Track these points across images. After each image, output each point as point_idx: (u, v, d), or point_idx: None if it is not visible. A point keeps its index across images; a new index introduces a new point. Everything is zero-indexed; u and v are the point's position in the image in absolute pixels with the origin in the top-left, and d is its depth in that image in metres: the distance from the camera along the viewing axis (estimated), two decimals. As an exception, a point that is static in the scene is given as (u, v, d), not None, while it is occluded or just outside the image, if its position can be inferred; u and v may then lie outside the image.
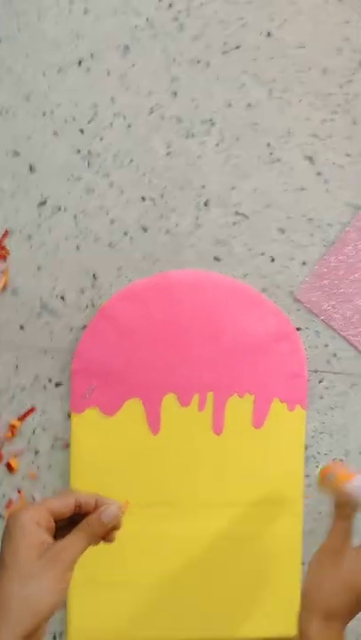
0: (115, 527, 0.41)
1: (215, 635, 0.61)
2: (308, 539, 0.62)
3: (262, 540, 0.61)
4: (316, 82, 0.63)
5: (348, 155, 0.63)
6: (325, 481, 0.59)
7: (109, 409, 0.60)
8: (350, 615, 0.45)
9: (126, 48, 0.61)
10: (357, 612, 0.46)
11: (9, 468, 0.60)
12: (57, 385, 0.60)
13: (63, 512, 0.40)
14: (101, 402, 0.60)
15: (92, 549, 0.57)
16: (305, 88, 0.62)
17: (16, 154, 0.60)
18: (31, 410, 0.60)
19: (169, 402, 0.60)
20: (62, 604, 0.37)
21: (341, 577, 0.45)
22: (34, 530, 0.37)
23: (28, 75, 0.60)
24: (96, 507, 0.41)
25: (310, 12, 0.62)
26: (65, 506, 0.40)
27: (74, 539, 0.39)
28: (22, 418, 0.60)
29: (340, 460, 0.63)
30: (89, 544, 0.39)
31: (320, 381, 0.63)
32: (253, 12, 0.62)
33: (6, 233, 0.60)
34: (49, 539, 0.38)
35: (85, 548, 0.39)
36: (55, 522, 0.40)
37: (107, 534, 0.40)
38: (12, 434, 0.60)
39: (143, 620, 0.60)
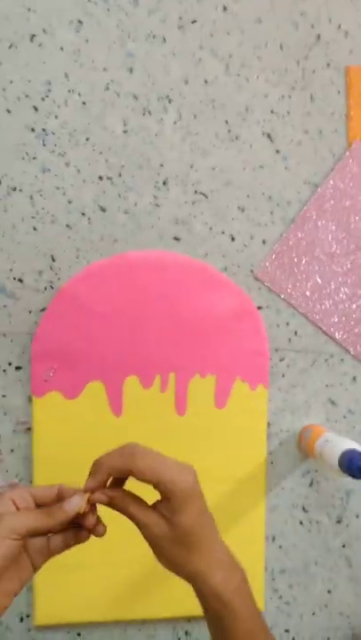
0: (75, 516, 0.41)
1: (179, 613, 0.62)
2: (271, 515, 0.63)
3: (227, 517, 0.61)
4: (274, 57, 0.62)
5: (306, 131, 0.63)
6: (302, 438, 0.61)
7: (71, 392, 0.60)
8: None
9: (80, 23, 0.59)
10: None
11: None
12: (17, 368, 0.60)
13: (45, 495, 0.41)
14: (62, 385, 0.59)
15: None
16: (262, 64, 0.62)
17: (-32, 133, 0.58)
18: (-9, 394, 0.59)
19: (131, 384, 0.60)
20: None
21: None
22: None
23: (-23, 50, 0.58)
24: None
25: (267, -15, 0.62)
26: (47, 492, 0.41)
27: (26, 512, 0.39)
28: (-18, 402, 0.59)
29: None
30: (42, 524, 0.39)
31: (281, 359, 0.63)
32: (209, -15, 0.61)
33: None
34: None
35: (34, 526, 0.39)
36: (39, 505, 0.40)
37: (65, 522, 0.40)
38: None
39: (107, 600, 0.60)
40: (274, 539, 0.64)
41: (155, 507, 0.41)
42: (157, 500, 0.41)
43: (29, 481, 0.60)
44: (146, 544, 0.42)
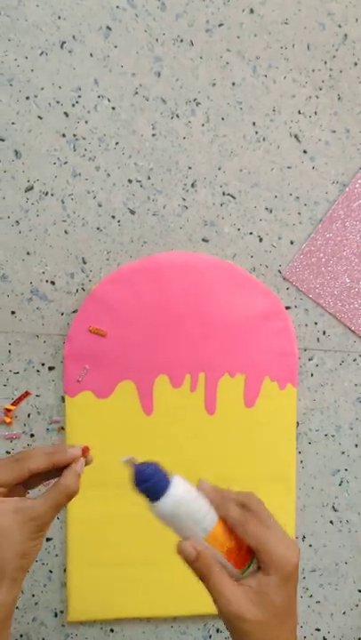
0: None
1: (211, 610, 0.62)
2: (301, 515, 0.64)
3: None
4: (301, 58, 0.62)
5: (333, 131, 0.63)
6: None
7: (103, 391, 0.61)
8: None
9: (108, 29, 0.60)
10: None
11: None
12: (50, 369, 0.61)
13: (10, 482, 0.41)
14: (94, 385, 0.60)
15: (87, 531, 0.58)
16: (289, 65, 0.62)
17: (1, 140, 0.60)
18: (26, 393, 0.61)
19: (161, 383, 0.61)
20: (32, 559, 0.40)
21: None
22: None
23: (9, 59, 0.60)
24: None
25: (293, -13, 0.62)
26: (13, 476, 0.41)
27: (42, 501, 0.41)
28: (16, 402, 0.61)
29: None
30: (59, 504, 0.41)
31: (310, 359, 0.63)
32: (236, -12, 0.61)
33: (-6, 219, 0.60)
34: None
35: (56, 508, 0.41)
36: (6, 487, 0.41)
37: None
38: (9, 418, 0.61)
39: (139, 597, 0.61)
40: (304, 538, 0.64)
41: (241, 581, 0.39)
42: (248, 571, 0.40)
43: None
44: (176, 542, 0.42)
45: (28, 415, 0.61)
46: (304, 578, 0.64)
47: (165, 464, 0.60)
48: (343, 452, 0.64)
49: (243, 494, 0.41)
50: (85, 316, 0.60)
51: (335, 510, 0.64)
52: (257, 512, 0.40)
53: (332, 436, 0.64)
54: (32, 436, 0.61)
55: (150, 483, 0.39)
